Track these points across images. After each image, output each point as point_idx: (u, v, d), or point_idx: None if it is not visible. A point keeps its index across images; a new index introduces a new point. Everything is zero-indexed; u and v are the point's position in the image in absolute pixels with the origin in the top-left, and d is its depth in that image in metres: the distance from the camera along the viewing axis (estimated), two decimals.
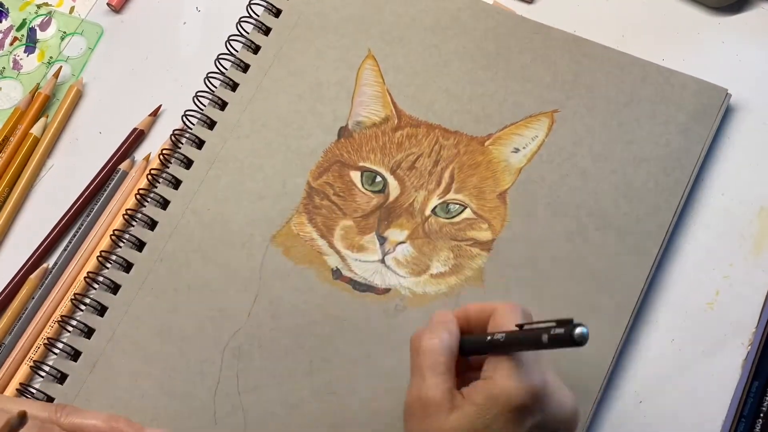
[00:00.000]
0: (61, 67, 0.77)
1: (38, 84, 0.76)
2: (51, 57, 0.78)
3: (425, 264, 0.67)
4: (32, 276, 0.70)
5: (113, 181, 0.72)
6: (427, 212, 0.68)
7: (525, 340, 0.50)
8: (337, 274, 0.67)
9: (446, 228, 0.67)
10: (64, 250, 0.70)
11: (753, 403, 0.63)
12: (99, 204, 0.71)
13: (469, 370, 0.56)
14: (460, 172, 0.68)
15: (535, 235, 0.67)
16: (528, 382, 0.51)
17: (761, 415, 0.63)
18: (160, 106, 0.75)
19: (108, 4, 0.77)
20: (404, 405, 0.55)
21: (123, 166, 0.73)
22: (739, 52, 0.72)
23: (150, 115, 0.74)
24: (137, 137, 0.74)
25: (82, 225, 0.71)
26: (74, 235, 0.71)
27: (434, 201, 0.68)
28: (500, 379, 0.51)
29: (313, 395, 0.64)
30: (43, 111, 0.76)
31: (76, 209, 0.72)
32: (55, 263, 0.70)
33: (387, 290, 0.66)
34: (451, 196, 0.68)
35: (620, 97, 0.69)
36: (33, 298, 0.69)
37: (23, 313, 0.69)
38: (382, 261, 0.67)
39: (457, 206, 0.68)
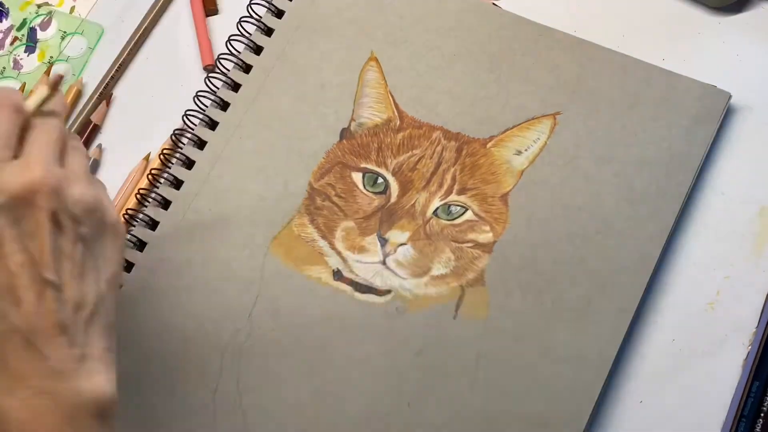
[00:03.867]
0: (52, 65, 0.77)
1: (24, 83, 0.76)
2: (51, 57, 0.78)
3: (426, 266, 0.67)
4: None
5: None
6: (429, 214, 0.68)
7: None
8: (338, 275, 0.67)
9: (447, 230, 0.67)
10: None
11: (753, 403, 0.63)
12: None
13: None
14: (461, 174, 0.68)
15: (536, 238, 0.67)
16: (25, 175, 0.48)
17: (761, 415, 0.63)
18: (112, 93, 0.75)
19: None
20: None
21: (92, 154, 0.73)
22: (740, 52, 0.72)
23: (104, 103, 0.75)
24: (92, 131, 0.75)
25: None
26: None
27: (436, 203, 0.68)
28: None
29: (313, 396, 0.64)
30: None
31: None
32: None
33: (388, 292, 0.66)
34: (452, 198, 0.68)
35: (623, 99, 0.69)
36: None
37: None
38: (383, 262, 0.67)
39: (459, 208, 0.68)
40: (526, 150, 0.69)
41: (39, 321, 0.48)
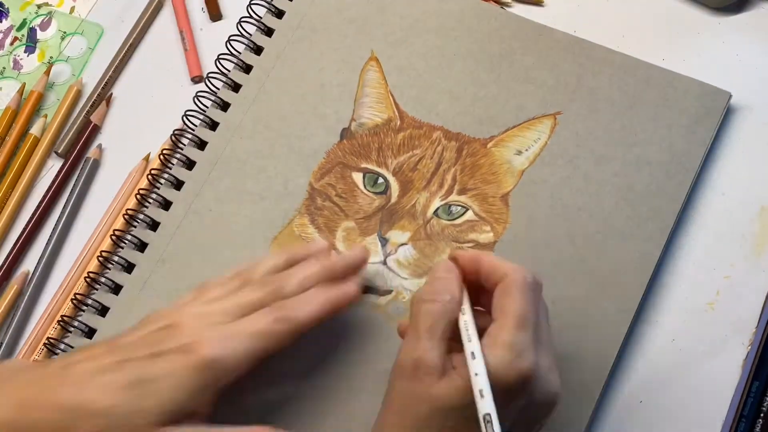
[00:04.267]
0: (52, 64, 0.77)
1: (24, 84, 0.76)
2: (51, 57, 0.78)
3: (427, 266, 0.67)
4: (14, 281, 0.70)
5: (85, 171, 0.72)
6: (429, 214, 0.68)
7: None
8: None
9: (448, 230, 0.67)
10: (47, 244, 0.71)
11: (753, 403, 0.63)
12: (75, 196, 0.72)
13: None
14: (462, 174, 0.68)
15: (537, 238, 0.67)
16: (518, 367, 0.51)
17: (761, 415, 0.63)
18: (112, 94, 0.75)
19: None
20: (395, 363, 0.55)
21: (92, 154, 0.73)
22: (740, 52, 0.73)
23: (104, 103, 0.75)
24: (92, 131, 0.75)
25: (61, 218, 0.71)
26: (54, 229, 0.71)
27: (436, 203, 0.68)
28: (492, 358, 0.52)
29: (313, 397, 0.64)
30: (37, 109, 0.75)
31: (45, 205, 0.72)
32: (39, 260, 0.70)
33: (388, 292, 0.66)
34: (453, 198, 0.68)
35: (623, 99, 0.70)
36: (24, 296, 0.69)
37: (16, 313, 0.69)
38: (384, 263, 0.67)
39: (459, 208, 0.68)
40: (526, 150, 0.69)
41: None
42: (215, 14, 0.77)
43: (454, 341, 0.54)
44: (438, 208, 0.68)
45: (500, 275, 0.55)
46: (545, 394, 0.53)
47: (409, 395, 0.53)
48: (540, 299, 0.56)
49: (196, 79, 0.75)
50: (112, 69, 0.76)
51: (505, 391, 0.51)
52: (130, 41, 0.77)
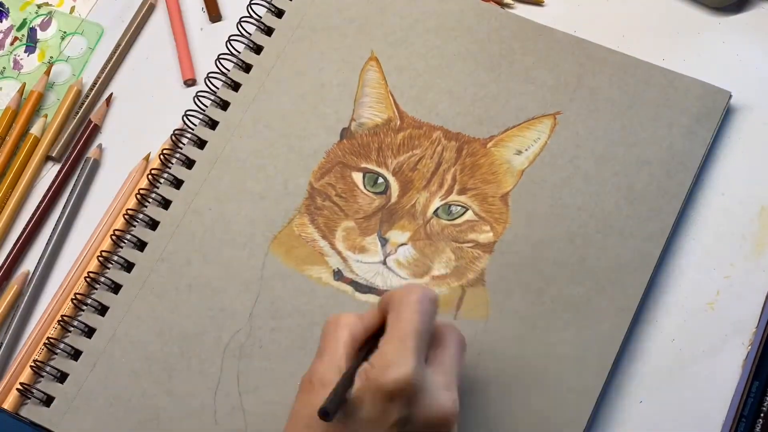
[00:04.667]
0: (52, 64, 0.77)
1: (24, 84, 0.76)
2: (51, 57, 0.78)
3: (426, 266, 0.67)
4: (14, 281, 0.70)
5: (85, 171, 0.72)
6: (429, 214, 0.68)
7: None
8: (338, 275, 0.67)
9: (448, 230, 0.67)
10: (47, 244, 0.71)
11: (753, 403, 0.63)
12: (75, 196, 0.72)
13: None
14: (462, 174, 0.68)
15: (536, 237, 0.67)
16: (394, 373, 0.51)
17: (761, 415, 0.63)
18: (112, 94, 0.75)
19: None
20: (301, 379, 0.55)
21: (92, 154, 0.73)
22: (740, 52, 0.73)
23: (104, 103, 0.75)
24: (93, 131, 0.75)
25: (61, 218, 0.71)
26: (54, 230, 0.71)
27: (436, 203, 0.68)
28: (374, 369, 0.52)
29: None
30: (37, 109, 0.75)
31: (45, 206, 0.72)
32: (40, 260, 0.70)
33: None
34: (453, 197, 0.68)
35: (623, 99, 0.69)
36: (24, 296, 0.69)
37: (16, 313, 0.69)
38: (384, 262, 0.67)
39: (459, 208, 0.68)
40: (526, 150, 0.69)
41: None
42: (215, 15, 0.77)
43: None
44: (438, 208, 0.68)
45: (388, 300, 0.55)
46: (430, 409, 0.52)
47: (303, 405, 0.54)
48: (430, 313, 0.55)
49: (189, 83, 0.75)
50: (107, 69, 0.76)
51: (385, 398, 0.51)
52: (124, 41, 0.77)
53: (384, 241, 0.67)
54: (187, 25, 0.77)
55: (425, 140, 0.70)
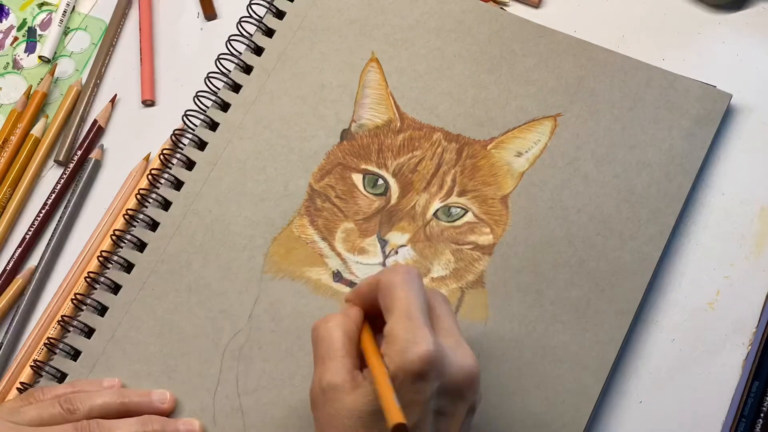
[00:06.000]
0: (56, 63, 0.77)
1: (30, 86, 0.76)
2: (54, 53, 0.77)
3: (426, 267, 0.67)
4: (19, 276, 0.70)
5: (86, 172, 0.72)
6: (429, 216, 0.68)
7: None
8: (337, 276, 0.67)
9: (448, 231, 0.67)
10: (48, 244, 0.71)
11: (753, 403, 0.63)
12: (77, 196, 0.72)
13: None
14: (462, 175, 0.68)
15: (536, 239, 0.67)
16: (416, 352, 0.51)
17: (761, 415, 0.63)
18: (116, 95, 0.75)
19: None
20: (309, 397, 0.55)
21: (94, 154, 0.73)
22: (740, 51, 0.73)
23: (108, 103, 0.75)
24: (97, 131, 0.74)
25: (62, 218, 0.71)
26: (55, 230, 0.71)
27: (436, 204, 0.68)
28: (394, 354, 0.52)
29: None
30: (41, 109, 0.75)
31: (51, 206, 0.72)
32: (41, 259, 0.70)
33: None
34: (452, 199, 0.68)
35: (624, 101, 0.69)
36: (24, 296, 0.69)
37: (16, 313, 0.69)
38: (383, 264, 0.67)
39: (459, 210, 0.68)
40: (526, 152, 0.69)
41: None
42: (210, 14, 0.77)
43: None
44: (438, 210, 0.68)
45: (376, 285, 0.55)
46: (458, 369, 0.53)
47: (329, 418, 0.53)
48: (421, 286, 0.55)
49: (147, 103, 0.75)
50: (100, 69, 0.76)
51: (414, 380, 0.51)
52: (110, 39, 0.77)
53: (384, 243, 0.67)
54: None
55: (425, 142, 0.70)
